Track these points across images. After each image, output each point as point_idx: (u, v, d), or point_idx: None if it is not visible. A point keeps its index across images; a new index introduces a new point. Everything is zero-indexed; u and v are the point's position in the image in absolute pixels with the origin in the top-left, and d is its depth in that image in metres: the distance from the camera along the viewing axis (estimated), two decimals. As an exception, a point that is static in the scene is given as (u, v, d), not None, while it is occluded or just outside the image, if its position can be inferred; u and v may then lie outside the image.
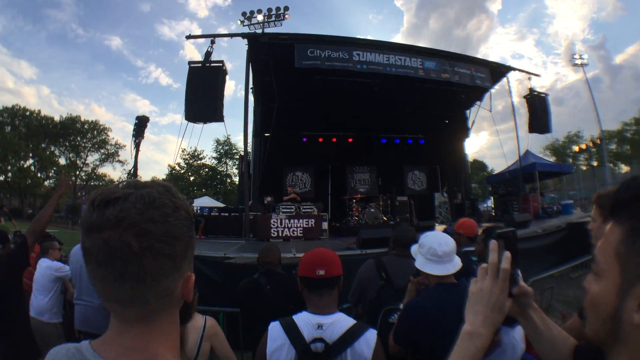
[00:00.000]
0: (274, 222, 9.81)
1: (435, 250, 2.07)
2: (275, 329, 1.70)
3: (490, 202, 19.69)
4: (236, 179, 42.88)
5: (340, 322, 1.68)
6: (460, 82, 11.86)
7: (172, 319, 0.73)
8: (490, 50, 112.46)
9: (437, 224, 13.28)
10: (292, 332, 1.65)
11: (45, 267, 3.90)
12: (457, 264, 2.09)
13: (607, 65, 75.29)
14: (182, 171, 46.46)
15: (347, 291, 3.11)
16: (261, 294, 2.84)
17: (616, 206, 0.72)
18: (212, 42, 10.70)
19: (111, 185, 0.69)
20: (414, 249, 2.27)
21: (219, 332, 2.10)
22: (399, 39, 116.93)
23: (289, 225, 9.88)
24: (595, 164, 39.62)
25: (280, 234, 9.71)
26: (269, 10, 15.25)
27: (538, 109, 13.66)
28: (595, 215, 1.73)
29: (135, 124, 10.89)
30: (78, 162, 53.56)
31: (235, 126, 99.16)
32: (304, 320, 1.69)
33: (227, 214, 11.48)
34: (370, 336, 1.66)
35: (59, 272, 4.00)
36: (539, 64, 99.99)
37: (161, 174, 74.91)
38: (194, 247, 0.75)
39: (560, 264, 8.19)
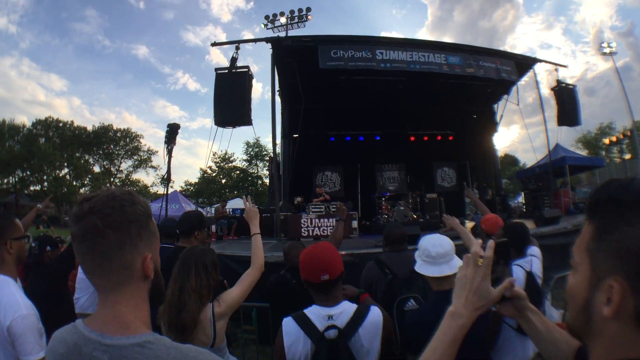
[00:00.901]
0: (304, 221, 9.99)
1: (429, 252, 2.13)
2: (289, 324, 1.79)
3: (521, 198, 19.32)
4: (267, 181, 43.16)
5: (347, 309, 1.80)
6: (485, 76, 11.68)
7: (139, 293, 0.94)
8: (518, 41, 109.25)
9: (467, 221, 13.16)
10: (306, 324, 1.75)
11: None
12: (454, 265, 2.10)
13: (636, 52, 72.13)
14: (214, 174, 47.28)
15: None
16: (287, 288, 3.02)
17: (590, 206, 0.80)
18: (237, 48, 10.90)
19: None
20: (417, 253, 2.31)
21: (227, 301, 2.21)
22: (423, 33, 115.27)
23: (319, 225, 10.03)
24: (627, 156, 38.25)
25: (310, 233, 9.87)
26: (292, 12, 15.47)
27: (566, 101, 13.31)
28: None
29: (167, 132, 11.20)
30: (112, 169, 55.45)
31: (263, 128, 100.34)
32: (315, 313, 1.80)
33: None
34: (376, 312, 1.82)
35: None
36: (567, 53, 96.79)
37: (193, 177, 76.40)
38: (151, 233, 0.98)
39: None
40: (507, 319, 2.67)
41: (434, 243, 2.16)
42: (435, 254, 2.11)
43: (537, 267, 3.10)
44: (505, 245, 1.23)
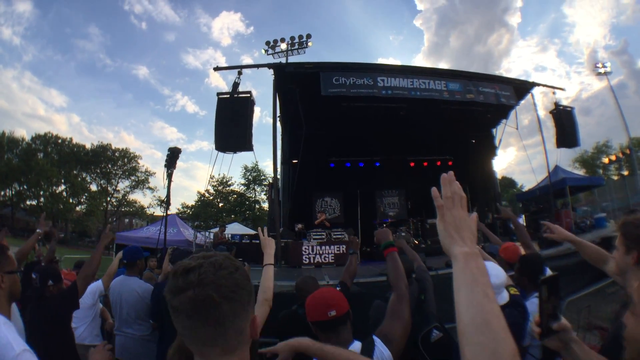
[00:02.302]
0: (305, 248, 9.89)
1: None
2: None
3: (521, 220, 19.27)
4: (264, 205, 43.27)
5: (355, 350, 1.77)
6: (485, 101, 11.76)
7: (246, 353, 0.95)
8: (513, 65, 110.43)
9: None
10: None
11: (82, 296, 4.05)
12: (503, 298, 2.13)
13: (631, 70, 73.10)
14: (211, 198, 47.17)
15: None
16: (300, 325, 2.90)
17: None
18: (239, 73, 10.96)
19: (185, 260, 0.92)
20: None
21: None
22: (420, 58, 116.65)
23: (321, 252, 9.94)
24: (625, 173, 38.55)
25: (312, 261, 9.77)
26: (292, 38, 15.63)
27: (565, 124, 13.39)
28: (619, 244, 1.64)
29: (168, 155, 11.17)
30: (109, 188, 55.27)
31: (262, 152, 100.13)
32: None
33: (258, 241, 11.61)
34: (378, 342, 1.81)
35: (95, 293, 4.10)
36: (562, 75, 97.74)
37: (190, 200, 76.16)
38: (254, 296, 1.01)
39: (596, 280, 7.90)
40: (531, 350, 2.65)
41: (491, 273, 2.12)
42: (492, 284, 2.07)
43: None
44: (555, 279, 1.17)
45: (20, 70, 76.09)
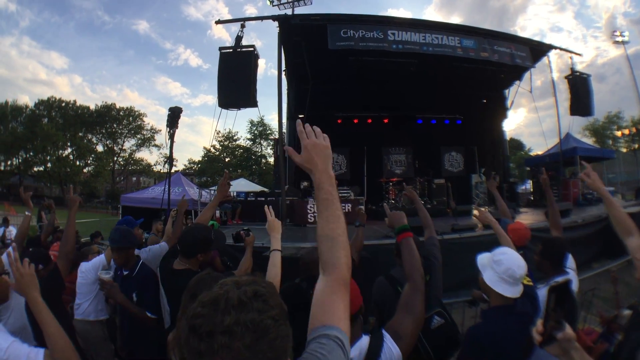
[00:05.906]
0: (310, 207, 9.82)
1: (514, 272, 2.03)
2: None
3: (528, 185, 19.07)
4: (271, 160, 43.11)
5: (362, 346, 1.66)
6: (500, 61, 11.35)
7: None
8: (529, 22, 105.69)
9: (474, 207, 12.94)
10: None
11: (85, 271, 3.89)
12: (519, 290, 2.06)
13: (650, 40, 70.88)
14: (217, 153, 47.11)
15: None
16: (303, 299, 2.71)
17: None
18: (242, 26, 10.54)
19: (209, 304, 0.73)
20: (484, 261, 2.18)
21: None
22: (431, 10, 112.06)
23: (326, 210, 9.81)
24: (636, 146, 38.04)
25: (317, 220, 9.64)
26: (298, -13, 14.92)
27: (580, 91, 13.02)
28: None
29: (169, 115, 10.89)
30: (115, 148, 55.49)
31: (267, 106, 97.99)
32: None
33: (263, 199, 11.54)
34: (387, 338, 1.68)
35: (97, 268, 3.91)
36: (578, 37, 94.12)
37: (196, 155, 75.74)
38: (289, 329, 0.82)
39: (599, 255, 8.16)
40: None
41: (519, 264, 2.08)
42: (519, 276, 2.05)
43: (574, 282, 2.93)
44: (564, 287, 1.27)
45: (18, 36, 75.74)
